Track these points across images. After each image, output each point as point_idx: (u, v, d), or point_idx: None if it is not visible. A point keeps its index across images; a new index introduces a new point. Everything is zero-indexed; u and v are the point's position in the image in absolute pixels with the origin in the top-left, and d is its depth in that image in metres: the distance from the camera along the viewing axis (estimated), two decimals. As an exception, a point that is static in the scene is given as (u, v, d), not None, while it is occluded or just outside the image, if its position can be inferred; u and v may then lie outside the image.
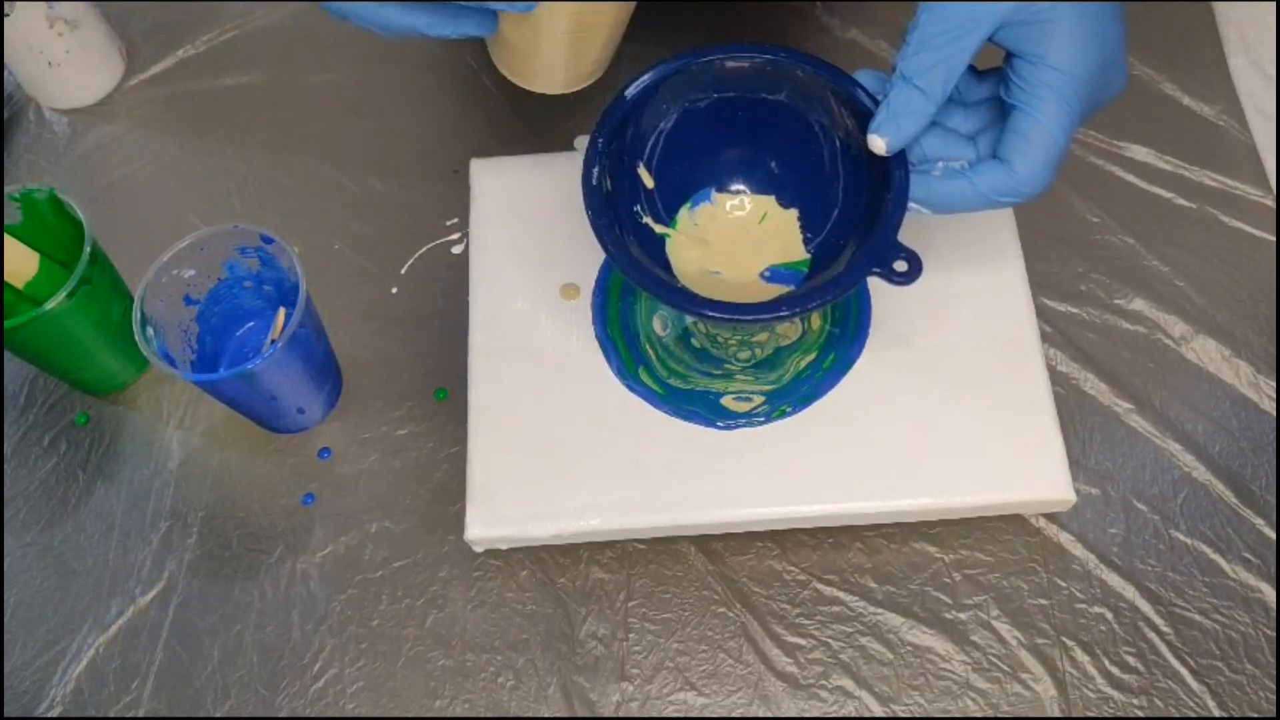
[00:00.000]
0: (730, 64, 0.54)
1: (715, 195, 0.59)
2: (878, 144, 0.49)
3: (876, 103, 0.50)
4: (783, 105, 0.55)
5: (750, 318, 0.50)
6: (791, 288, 0.56)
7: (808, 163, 0.56)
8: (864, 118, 0.50)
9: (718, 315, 0.51)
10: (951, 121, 0.52)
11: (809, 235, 0.57)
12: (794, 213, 0.58)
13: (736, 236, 0.58)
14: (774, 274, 0.57)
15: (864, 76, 0.52)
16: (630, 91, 0.54)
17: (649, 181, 0.57)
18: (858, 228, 0.53)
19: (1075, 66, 0.47)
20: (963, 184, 0.49)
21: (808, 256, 0.57)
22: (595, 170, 0.53)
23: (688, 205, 0.59)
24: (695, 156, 0.58)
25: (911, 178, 0.50)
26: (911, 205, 0.50)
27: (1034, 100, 0.47)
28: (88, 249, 0.56)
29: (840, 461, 0.55)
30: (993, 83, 0.51)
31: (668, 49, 0.55)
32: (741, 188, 0.59)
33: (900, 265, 0.49)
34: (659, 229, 0.57)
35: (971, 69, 0.52)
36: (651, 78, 0.54)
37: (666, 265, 0.57)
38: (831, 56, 0.53)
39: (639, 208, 0.57)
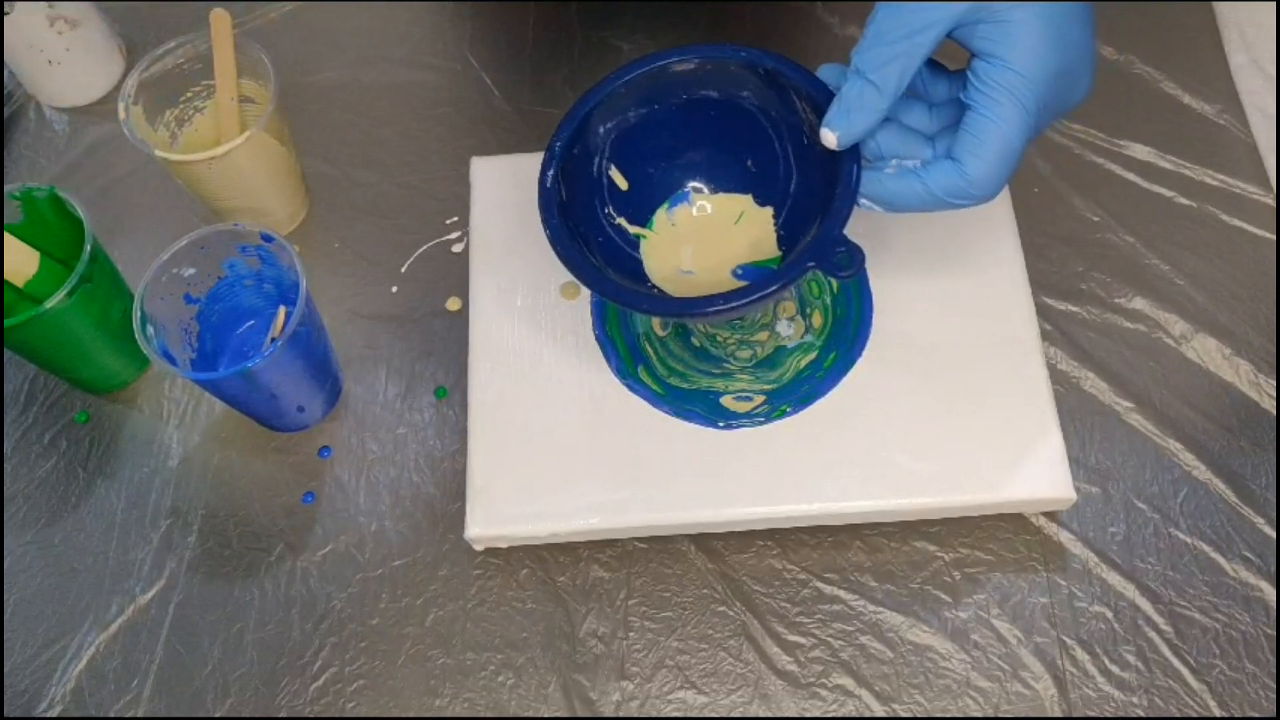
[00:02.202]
0: (695, 65, 0.54)
1: (693, 195, 0.59)
2: (829, 138, 0.49)
3: None
4: (752, 104, 0.55)
5: (679, 311, 0.52)
6: None
7: (780, 161, 0.56)
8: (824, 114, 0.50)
9: (648, 309, 0.52)
10: (912, 119, 0.51)
11: (783, 232, 0.58)
12: (769, 211, 0.58)
13: (712, 236, 0.58)
14: (746, 272, 0.57)
15: (825, 71, 0.51)
16: (594, 94, 0.54)
17: (623, 183, 0.57)
18: (817, 223, 0.53)
19: (1033, 69, 0.46)
20: (914, 183, 0.48)
21: (778, 254, 0.57)
22: (550, 173, 0.53)
23: (665, 206, 0.59)
24: (670, 158, 0.58)
25: (864, 175, 0.49)
26: (862, 203, 0.50)
27: (989, 101, 0.46)
28: (88, 247, 0.56)
29: (841, 461, 0.55)
30: (961, 82, 0.50)
31: (666, 47, 0.55)
32: (718, 187, 0.59)
33: (843, 259, 0.49)
34: (634, 230, 0.58)
35: (941, 67, 0.51)
36: (616, 80, 0.54)
37: (637, 265, 0.57)
38: (830, 55, 0.53)
39: (610, 209, 0.57)
